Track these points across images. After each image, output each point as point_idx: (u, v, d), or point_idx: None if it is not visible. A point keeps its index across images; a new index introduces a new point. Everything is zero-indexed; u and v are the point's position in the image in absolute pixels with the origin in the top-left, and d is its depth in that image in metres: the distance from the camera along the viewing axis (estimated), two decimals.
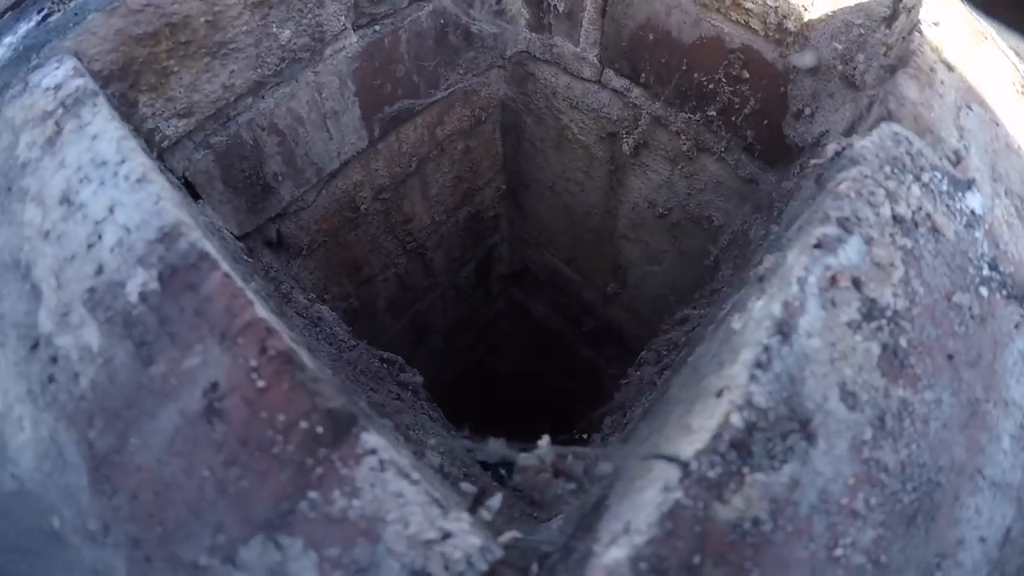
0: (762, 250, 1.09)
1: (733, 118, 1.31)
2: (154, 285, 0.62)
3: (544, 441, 0.62)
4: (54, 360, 0.64)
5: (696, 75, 1.31)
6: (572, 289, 1.95)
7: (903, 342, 0.63)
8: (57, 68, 0.89)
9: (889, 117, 0.81)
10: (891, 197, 0.70)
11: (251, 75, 1.12)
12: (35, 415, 0.62)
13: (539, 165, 1.69)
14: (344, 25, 1.19)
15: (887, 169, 0.73)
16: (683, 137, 1.39)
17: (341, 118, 1.28)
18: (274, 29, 1.11)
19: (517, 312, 2.20)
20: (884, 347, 0.62)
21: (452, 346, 2.05)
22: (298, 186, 1.28)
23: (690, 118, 1.36)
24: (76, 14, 0.96)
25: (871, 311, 0.63)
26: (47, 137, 0.81)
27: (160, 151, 1.07)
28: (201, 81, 1.07)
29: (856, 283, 0.64)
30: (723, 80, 1.29)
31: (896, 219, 0.69)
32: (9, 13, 1.05)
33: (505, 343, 2.26)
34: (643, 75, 1.38)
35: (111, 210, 0.70)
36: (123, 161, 0.74)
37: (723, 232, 1.43)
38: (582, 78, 1.47)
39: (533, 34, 1.49)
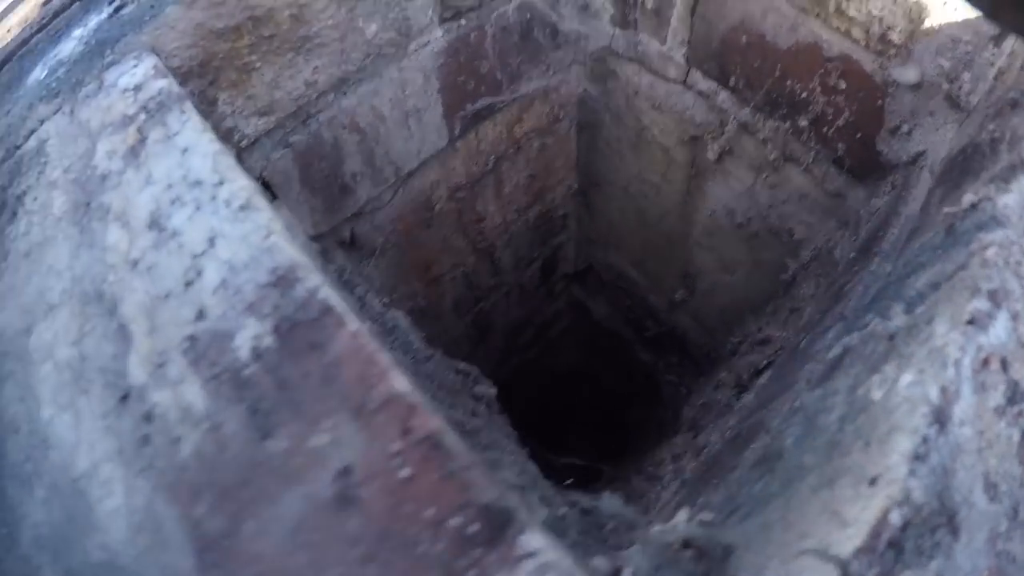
0: (859, 279, 1.04)
1: (825, 129, 1.24)
2: (269, 341, 0.57)
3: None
4: (148, 418, 0.58)
5: (789, 82, 1.24)
6: (637, 292, 1.90)
7: None
8: (136, 66, 0.83)
9: (1022, 166, 0.77)
10: None
11: (335, 71, 1.07)
12: (128, 480, 0.57)
13: (614, 166, 1.63)
14: (431, 19, 1.14)
15: None
16: (770, 145, 1.33)
17: (423, 116, 1.23)
18: (360, 23, 1.06)
19: (577, 311, 2.15)
20: (1022, 434, 0.60)
21: (511, 344, 2.02)
22: (376, 186, 1.24)
23: (779, 126, 1.30)
24: (152, 6, 0.91)
25: (1014, 395, 0.61)
26: (129, 146, 0.75)
27: (238, 150, 1.03)
28: (283, 77, 1.02)
29: (1004, 365, 0.61)
30: (818, 89, 1.22)
31: None
32: (77, 3, 1.00)
33: (562, 342, 2.22)
34: (732, 79, 1.31)
35: (211, 242, 0.65)
36: (221, 182, 0.68)
37: (803, 246, 1.37)
38: (666, 78, 1.40)
39: (617, 30, 1.42)
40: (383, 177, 1.23)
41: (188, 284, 0.64)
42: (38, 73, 0.92)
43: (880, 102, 1.15)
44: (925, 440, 0.54)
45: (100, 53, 0.88)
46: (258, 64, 0.99)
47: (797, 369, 0.93)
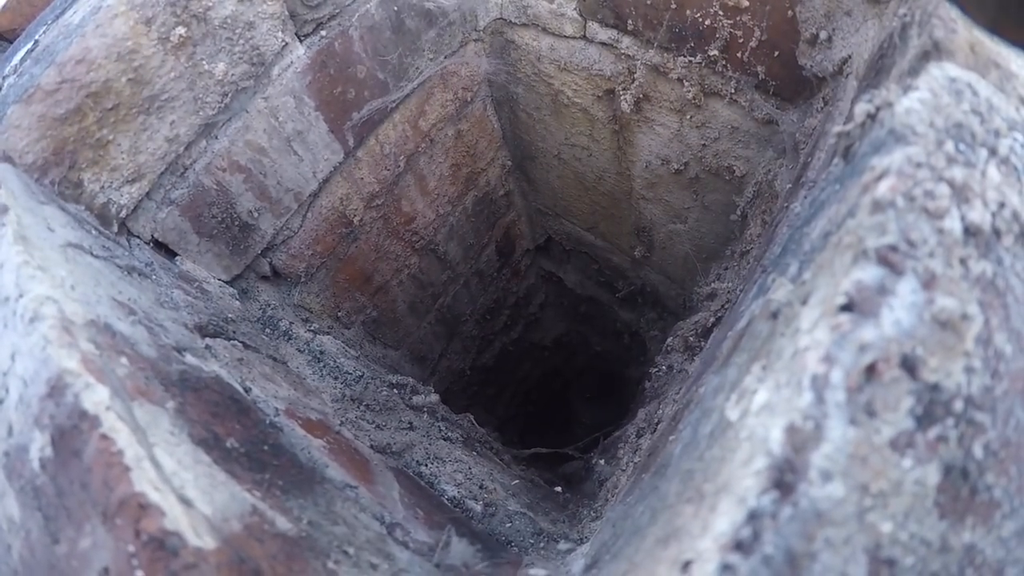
0: (784, 218, 0.95)
1: (739, 54, 1.15)
2: (49, 451, 0.58)
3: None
4: None
5: (688, 12, 1.15)
6: (599, 255, 1.83)
7: (977, 450, 0.42)
8: None
9: (936, 51, 0.58)
10: (959, 195, 0.47)
11: (194, 120, 1.05)
12: None
13: (540, 135, 1.56)
14: (283, 40, 1.09)
15: (950, 147, 0.49)
16: (686, 84, 1.24)
17: (307, 137, 1.19)
18: (205, 66, 1.02)
19: (550, 283, 2.10)
20: (947, 470, 0.41)
21: (487, 330, 1.98)
22: (278, 216, 1.21)
23: (690, 61, 1.21)
24: None
25: (930, 409, 0.41)
26: None
27: (120, 222, 1.02)
28: (142, 141, 1.00)
29: (908, 365, 0.42)
30: (719, 13, 1.13)
31: (969, 232, 0.46)
32: None
33: (543, 315, 2.18)
34: (630, 21, 1.22)
35: (13, 358, 0.65)
36: (21, 295, 0.68)
37: (746, 183, 1.28)
38: (565, 36, 1.32)
39: None
40: (284, 206, 1.20)
41: (1, 403, 0.65)
42: None
43: (790, 12, 1.06)
44: (753, 517, 0.38)
45: None
46: (111, 136, 0.97)
47: (723, 336, 0.85)
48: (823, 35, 1.05)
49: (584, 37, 1.30)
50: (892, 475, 0.40)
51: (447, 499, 0.99)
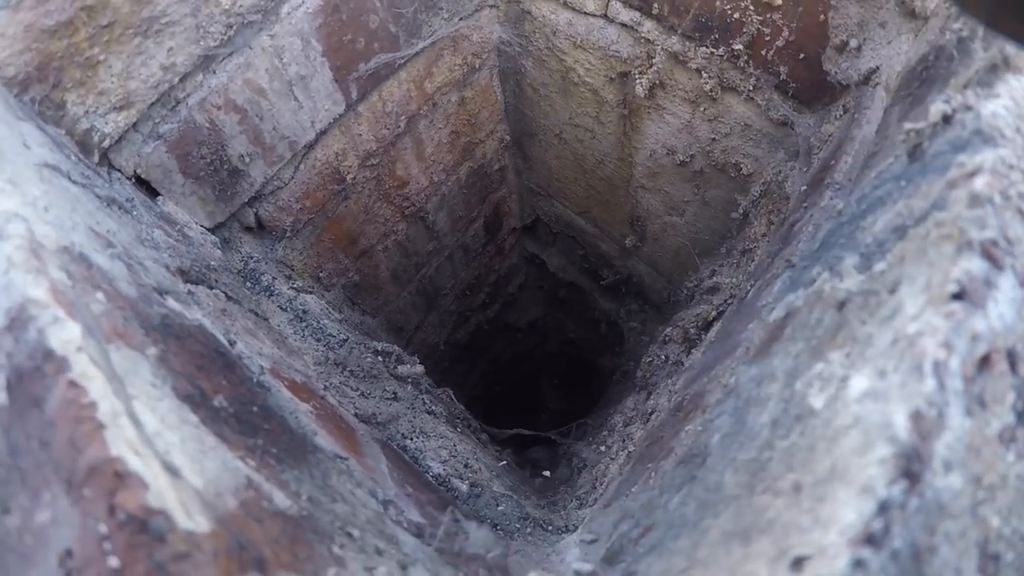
0: (809, 217, 0.93)
1: (763, 52, 1.13)
2: (3, 397, 0.49)
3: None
4: None
5: (718, 3, 1.12)
6: (588, 241, 1.80)
7: None
8: None
9: (1006, 65, 0.59)
10: None
11: (194, 49, 0.97)
12: None
13: (544, 112, 1.51)
14: None
15: None
16: (704, 75, 1.21)
17: (310, 83, 1.12)
18: None
19: (532, 265, 2.07)
20: None
21: (465, 306, 1.94)
22: (270, 164, 1.14)
23: (712, 53, 1.18)
24: None
25: None
26: None
27: (103, 152, 0.94)
28: (135, 66, 0.92)
29: (1012, 361, 0.42)
30: (750, 7, 1.10)
31: None
32: None
33: (521, 297, 2.15)
34: (655, 5, 1.19)
35: None
36: None
37: (752, 181, 1.27)
38: (585, 13, 1.27)
39: None
40: (277, 154, 1.13)
41: None
42: None
43: (823, 16, 1.04)
44: (884, 508, 0.36)
45: None
46: (102, 56, 0.89)
47: (742, 327, 0.83)
48: (853, 43, 1.04)
49: (605, 16, 1.26)
50: (1000, 468, 0.40)
51: (432, 476, 0.95)
